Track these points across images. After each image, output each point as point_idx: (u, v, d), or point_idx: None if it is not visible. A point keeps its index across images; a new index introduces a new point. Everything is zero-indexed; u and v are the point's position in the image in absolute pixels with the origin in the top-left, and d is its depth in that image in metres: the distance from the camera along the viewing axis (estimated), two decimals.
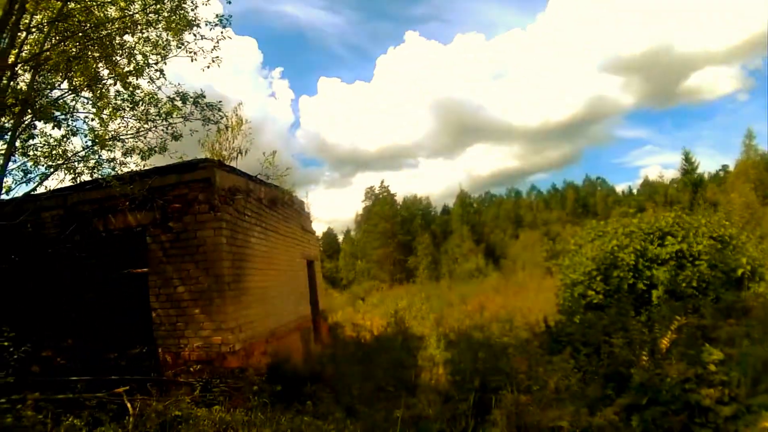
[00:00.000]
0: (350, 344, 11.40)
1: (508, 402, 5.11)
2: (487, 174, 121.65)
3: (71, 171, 6.96)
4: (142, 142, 7.60)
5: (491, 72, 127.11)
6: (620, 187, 78.16)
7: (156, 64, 7.17)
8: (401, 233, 61.97)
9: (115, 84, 7.09)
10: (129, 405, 4.90)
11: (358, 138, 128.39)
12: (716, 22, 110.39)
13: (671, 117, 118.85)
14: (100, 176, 6.96)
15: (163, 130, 7.13)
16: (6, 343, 5.66)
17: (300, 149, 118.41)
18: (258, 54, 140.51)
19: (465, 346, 8.00)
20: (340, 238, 74.58)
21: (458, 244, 56.80)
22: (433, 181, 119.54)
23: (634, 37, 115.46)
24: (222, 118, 7.33)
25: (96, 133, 6.88)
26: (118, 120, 7.32)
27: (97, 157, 7.10)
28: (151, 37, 7.05)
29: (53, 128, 6.97)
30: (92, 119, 7.37)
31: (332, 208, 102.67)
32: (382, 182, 74.92)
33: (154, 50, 7.20)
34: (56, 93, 7.07)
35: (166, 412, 4.70)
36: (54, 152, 6.84)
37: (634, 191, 73.95)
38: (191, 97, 7.16)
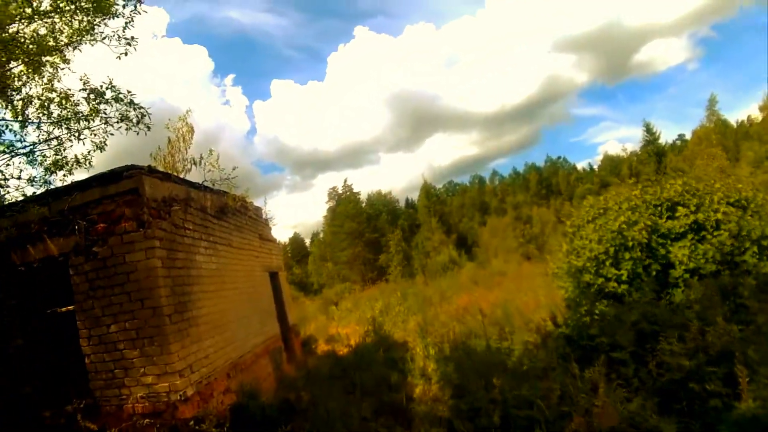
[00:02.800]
0: (326, 362, 10.33)
1: None
2: (448, 164, 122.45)
3: None
4: (60, 154, 6.55)
5: (444, 61, 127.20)
6: (581, 165, 79.83)
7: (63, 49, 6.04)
8: (368, 231, 61.21)
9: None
10: None
11: (317, 139, 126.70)
12: None
13: (624, 92, 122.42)
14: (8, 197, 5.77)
15: (76, 136, 5.98)
16: None
17: (259, 156, 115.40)
18: (209, 62, 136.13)
19: (469, 364, 6.78)
20: (308, 241, 73.21)
21: (428, 237, 56.12)
22: (396, 176, 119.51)
23: (583, 14, 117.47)
24: (144, 117, 6.24)
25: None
26: (35, 131, 6.23)
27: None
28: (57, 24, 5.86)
29: None
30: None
31: (297, 212, 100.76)
32: (345, 181, 74.23)
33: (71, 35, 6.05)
34: None
35: None
36: None
37: (595, 168, 75.88)
38: (102, 89, 6.06)
